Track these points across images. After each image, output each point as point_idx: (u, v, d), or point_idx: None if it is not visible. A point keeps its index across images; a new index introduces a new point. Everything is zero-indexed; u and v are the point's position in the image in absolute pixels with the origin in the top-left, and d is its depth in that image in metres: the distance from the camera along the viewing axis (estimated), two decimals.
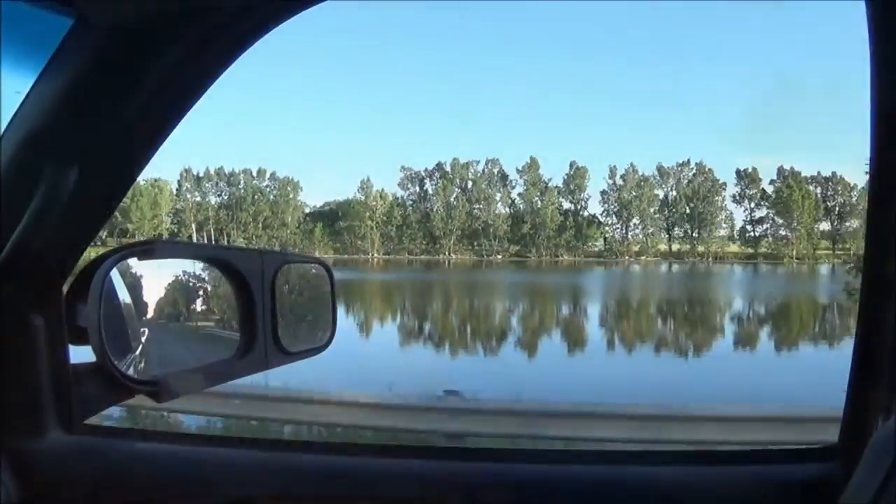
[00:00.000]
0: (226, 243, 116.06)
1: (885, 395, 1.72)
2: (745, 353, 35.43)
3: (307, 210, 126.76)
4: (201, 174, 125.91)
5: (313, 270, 2.05)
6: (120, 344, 1.55)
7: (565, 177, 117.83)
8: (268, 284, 1.76)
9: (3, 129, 1.47)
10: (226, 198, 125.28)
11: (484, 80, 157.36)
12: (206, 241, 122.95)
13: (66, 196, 1.46)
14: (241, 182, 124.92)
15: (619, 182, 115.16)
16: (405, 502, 1.94)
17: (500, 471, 2.00)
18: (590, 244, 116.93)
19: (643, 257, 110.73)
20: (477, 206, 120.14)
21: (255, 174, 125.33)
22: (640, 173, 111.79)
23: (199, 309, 1.77)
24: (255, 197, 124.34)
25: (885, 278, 1.72)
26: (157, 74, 1.45)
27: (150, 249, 1.58)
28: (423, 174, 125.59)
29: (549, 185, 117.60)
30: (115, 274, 1.52)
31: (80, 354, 1.62)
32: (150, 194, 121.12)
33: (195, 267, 1.72)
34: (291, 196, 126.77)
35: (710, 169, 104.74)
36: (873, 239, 1.75)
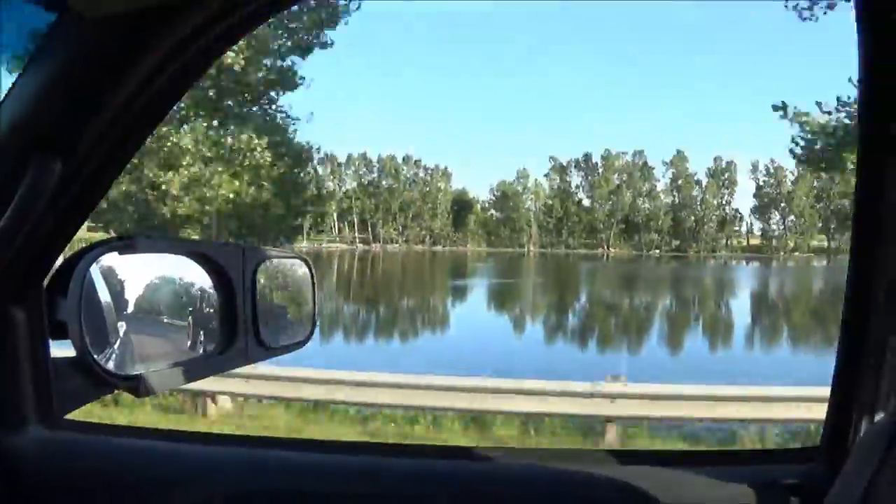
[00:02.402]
0: (370, 234, 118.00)
1: (869, 397, 1.76)
2: None
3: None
4: (342, 160, 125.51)
5: (295, 265, 2.04)
6: (100, 339, 1.55)
7: (709, 171, 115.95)
8: (249, 279, 1.77)
9: None
10: (366, 184, 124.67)
11: (629, 73, 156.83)
12: (349, 233, 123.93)
13: (49, 189, 1.46)
14: (392, 169, 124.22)
15: (764, 177, 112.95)
16: (392, 499, 1.96)
17: (496, 470, 2.02)
18: (736, 240, 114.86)
19: (796, 253, 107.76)
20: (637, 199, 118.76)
21: (400, 160, 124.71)
22: (784, 168, 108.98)
23: (179, 303, 1.76)
24: (407, 185, 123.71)
25: (869, 282, 1.75)
26: (144, 67, 1.45)
27: (130, 244, 1.58)
28: (571, 164, 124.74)
29: (696, 178, 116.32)
30: (95, 269, 1.53)
31: (61, 349, 1.63)
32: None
33: (176, 261, 1.71)
34: (442, 185, 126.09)
35: None
36: (858, 244, 1.78)
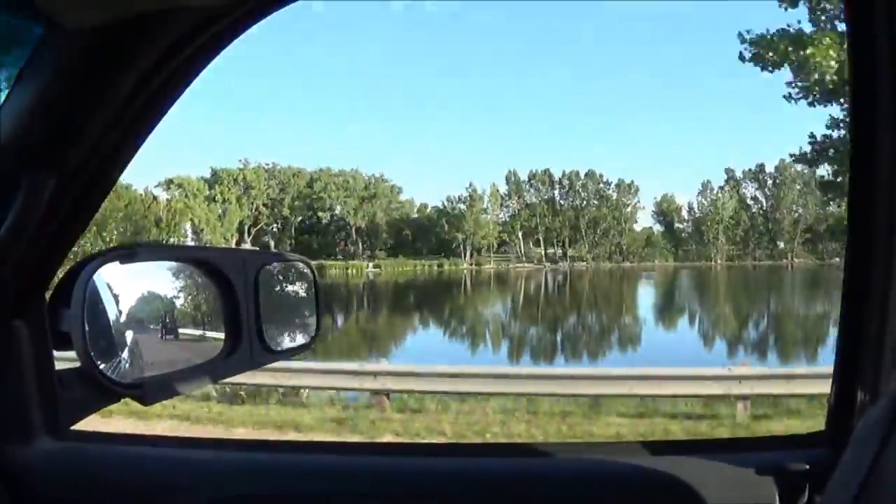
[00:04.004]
0: (557, 252, 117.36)
1: (870, 381, 1.77)
2: None
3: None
4: (523, 176, 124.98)
5: (296, 269, 2.03)
6: (104, 348, 1.55)
7: None
8: (251, 284, 1.76)
9: None
10: (548, 200, 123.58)
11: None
12: (536, 251, 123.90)
13: (44, 202, 1.47)
14: (577, 185, 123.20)
15: None
16: (394, 500, 1.95)
17: (491, 465, 2.03)
18: None
19: None
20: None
21: (583, 176, 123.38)
22: None
23: (181, 310, 1.76)
24: (591, 201, 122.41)
25: (867, 269, 1.77)
26: (132, 77, 1.46)
27: (131, 253, 1.58)
28: (742, 176, 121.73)
29: None
30: (98, 278, 1.53)
31: (66, 361, 1.65)
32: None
33: (177, 269, 1.71)
34: (630, 200, 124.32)
35: None
36: (855, 230, 1.80)
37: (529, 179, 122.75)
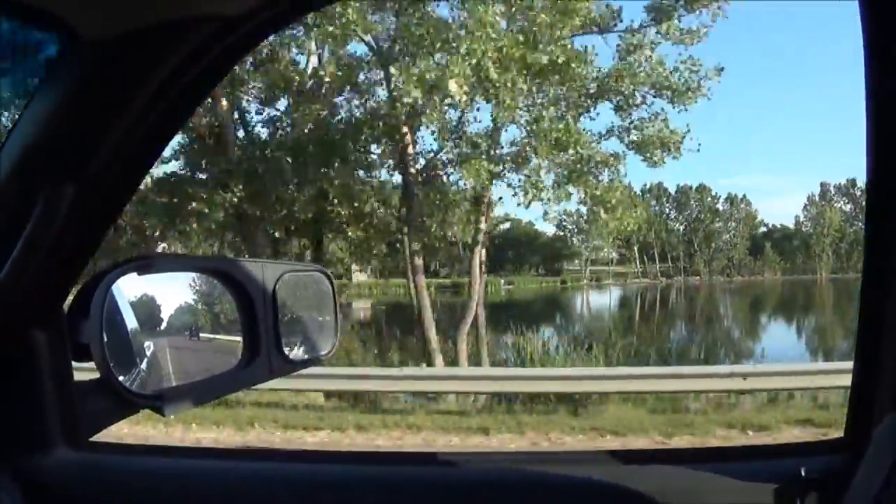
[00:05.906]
0: (671, 267, 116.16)
1: (890, 387, 1.73)
2: None
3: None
4: (636, 189, 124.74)
5: (315, 279, 2.03)
6: (124, 359, 1.56)
7: None
8: (269, 294, 1.76)
9: None
10: (662, 215, 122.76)
11: None
12: (650, 266, 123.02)
13: (64, 212, 1.47)
14: (690, 199, 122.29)
15: None
16: None
17: (504, 475, 2.00)
18: None
19: None
20: None
21: (693, 190, 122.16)
22: None
23: (200, 321, 1.76)
24: (704, 215, 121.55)
25: (886, 270, 1.72)
26: (152, 86, 1.45)
27: (148, 264, 1.59)
28: (834, 190, 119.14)
29: None
30: (116, 289, 1.53)
31: (85, 371, 1.64)
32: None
33: (195, 279, 1.71)
34: (744, 214, 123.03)
35: None
36: (873, 231, 1.76)
37: (643, 193, 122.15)
